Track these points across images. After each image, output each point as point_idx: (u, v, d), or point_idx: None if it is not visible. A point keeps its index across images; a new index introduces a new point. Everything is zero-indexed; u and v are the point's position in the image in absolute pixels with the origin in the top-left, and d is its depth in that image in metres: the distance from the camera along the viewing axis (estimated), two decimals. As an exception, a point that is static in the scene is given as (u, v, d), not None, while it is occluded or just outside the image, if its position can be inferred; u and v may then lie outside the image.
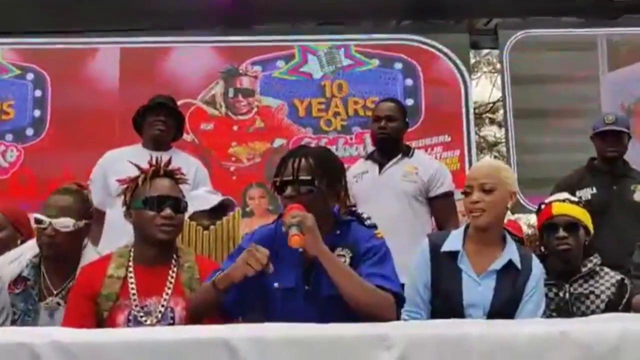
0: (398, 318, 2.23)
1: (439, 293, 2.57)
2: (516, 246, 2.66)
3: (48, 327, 2.19)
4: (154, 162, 2.54)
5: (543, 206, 3.04)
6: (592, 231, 2.97)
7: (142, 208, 2.44)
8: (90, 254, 2.73)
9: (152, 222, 2.42)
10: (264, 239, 2.34)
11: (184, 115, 3.99)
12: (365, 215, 2.45)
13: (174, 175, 2.55)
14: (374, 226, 2.44)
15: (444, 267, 2.59)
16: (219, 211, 3.13)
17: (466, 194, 2.61)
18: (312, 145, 4.99)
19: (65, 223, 2.62)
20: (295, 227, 2.13)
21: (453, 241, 2.64)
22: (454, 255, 2.61)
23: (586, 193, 3.60)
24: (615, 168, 3.86)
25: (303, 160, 2.29)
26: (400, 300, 2.32)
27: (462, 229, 2.71)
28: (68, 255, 2.68)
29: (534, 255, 2.68)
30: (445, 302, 2.55)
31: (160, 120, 3.77)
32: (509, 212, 5.17)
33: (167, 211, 2.43)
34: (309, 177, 2.28)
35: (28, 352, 1.59)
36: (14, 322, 2.55)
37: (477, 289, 2.56)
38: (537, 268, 2.62)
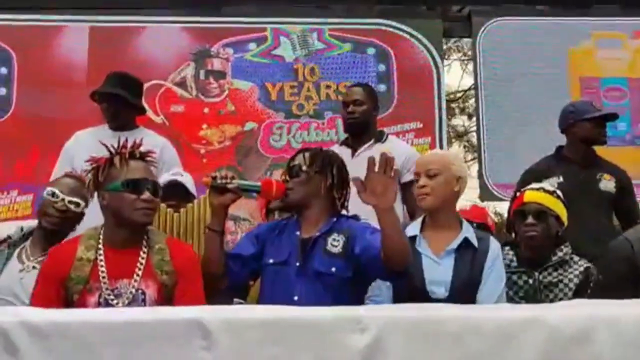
0: None
1: None
2: (473, 229, 2.82)
3: (17, 307, 2.17)
4: (126, 144, 2.50)
5: (518, 194, 3.11)
6: (565, 222, 3.01)
7: (121, 190, 2.41)
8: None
9: (132, 205, 2.40)
10: (267, 227, 2.75)
11: (128, 96, 3.79)
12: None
13: (145, 158, 2.52)
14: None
15: None
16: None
17: (416, 180, 2.78)
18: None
19: (77, 202, 2.85)
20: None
21: (412, 228, 2.82)
22: (412, 240, 2.69)
23: (553, 182, 3.62)
24: (585, 156, 3.89)
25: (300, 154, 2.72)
26: None
27: (420, 218, 2.85)
28: (61, 232, 2.82)
29: (491, 236, 2.85)
30: (409, 283, 2.61)
31: (108, 112, 3.74)
32: (477, 200, 5.22)
33: (147, 194, 2.41)
34: (297, 163, 2.66)
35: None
36: None
37: (438, 268, 2.71)
38: (495, 245, 2.78)
